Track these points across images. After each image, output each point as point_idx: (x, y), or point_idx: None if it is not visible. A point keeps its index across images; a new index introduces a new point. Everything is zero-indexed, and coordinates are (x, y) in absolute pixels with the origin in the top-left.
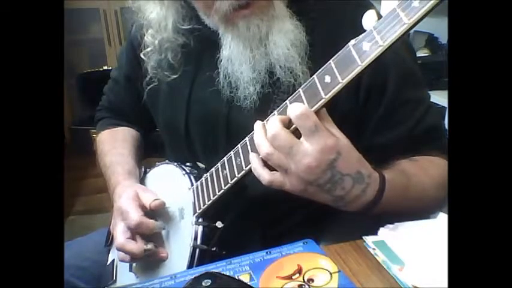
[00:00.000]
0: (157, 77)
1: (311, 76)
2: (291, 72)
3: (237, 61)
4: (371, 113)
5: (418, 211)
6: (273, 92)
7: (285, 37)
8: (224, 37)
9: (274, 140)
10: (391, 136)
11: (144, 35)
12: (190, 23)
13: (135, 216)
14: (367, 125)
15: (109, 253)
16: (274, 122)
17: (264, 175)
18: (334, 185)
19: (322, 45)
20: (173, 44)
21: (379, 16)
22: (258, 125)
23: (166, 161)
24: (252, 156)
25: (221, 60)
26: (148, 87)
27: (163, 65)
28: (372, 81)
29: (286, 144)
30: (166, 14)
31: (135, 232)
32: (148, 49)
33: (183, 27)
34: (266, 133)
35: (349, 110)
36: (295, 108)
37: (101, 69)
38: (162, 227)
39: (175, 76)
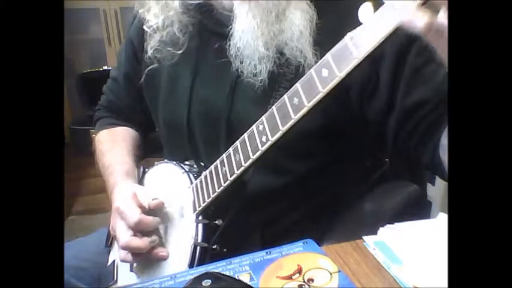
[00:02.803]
0: (159, 58)
1: (320, 58)
2: (300, 53)
3: (251, 35)
4: (396, 78)
5: None
6: (280, 74)
7: (301, 15)
8: (240, 8)
9: None
10: (421, 94)
11: (145, 32)
12: None
13: (134, 214)
14: (394, 90)
15: (109, 254)
16: None
17: (421, 17)
18: None
19: (328, 33)
20: (178, 20)
21: (376, 8)
22: None
23: (165, 160)
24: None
25: (232, 34)
26: (148, 69)
27: (166, 40)
28: (392, 49)
29: None
30: None
31: (136, 230)
32: (151, 27)
33: (192, 2)
34: None
35: (371, 79)
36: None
37: (101, 69)
38: (160, 223)
39: (179, 52)
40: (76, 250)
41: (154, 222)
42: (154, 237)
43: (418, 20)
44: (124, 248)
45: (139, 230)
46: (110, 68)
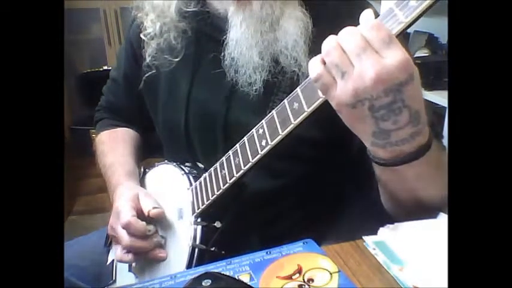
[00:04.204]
0: (156, 64)
1: None
2: (295, 62)
3: (245, 45)
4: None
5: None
6: (276, 83)
7: (295, 24)
8: (234, 18)
9: (347, 36)
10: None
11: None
12: (196, 6)
13: (126, 216)
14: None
15: (109, 253)
16: (350, 27)
17: (316, 67)
18: (389, 114)
19: (323, 41)
20: (175, 27)
21: (377, 15)
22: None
23: (166, 161)
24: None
25: (227, 43)
26: (146, 75)
27: (164, 47)
28: None
29: (360, 45)
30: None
31: (127, 232)
32: (148, 35)
33: (188, 9)
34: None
35: None
36: (366, 21)
37: (101, 69)
38: (153, 230)
39: (176, 59)
40: (76, 249)
41: (144, 228)
42: (158, 238)
43: (313, 68)
44: (127, 249)
45: (129, 232)
46: (110, 68)
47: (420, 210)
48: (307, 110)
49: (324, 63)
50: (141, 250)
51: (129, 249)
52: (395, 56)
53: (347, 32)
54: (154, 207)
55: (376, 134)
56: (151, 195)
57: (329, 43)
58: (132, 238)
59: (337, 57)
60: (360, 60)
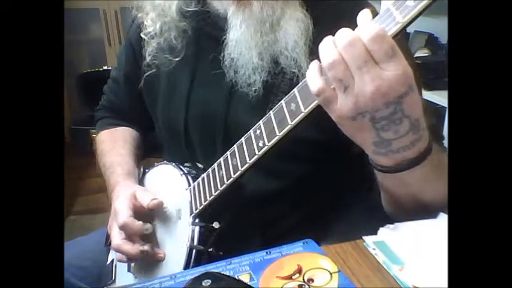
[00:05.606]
0: (157, 64)
1: None
2: (295, 63)
3: (245, 45)
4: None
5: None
6: (275, 84)
7: (296, 25)
8: (233, 18)
9: (349, 48)
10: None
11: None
12: (196, 6)
13: (122, 217)
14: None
15: (109, 253)
16: (349, 31)
17: (316, 81)
18: (389, 125)
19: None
20: (175, 27)
21: (375, 15)
22: (328, 38)
23: (165, 161)
24: (313, 62)
25: (226, 44)
26: (146, 74)
27: (164, 46)
28: None
29: (361, 57)
30: None
31: (124, 233)
32: (148, 34)
33: (188, 9)
34: (336, 41)
35: None
36: (369, 30)
37: (101, 69)
38: (150, 229)
39: (176, 59)
40: (76, 249)
41: (140, 228)
42: (146, 247)
43: (313, 82)
44: (116, 250)
45: (125, 233)
46: (110, 68)
47: (422, 212)
48: (304, 111)
49: (321, 73)
50: (128, 255)
51: (117, 251)
52: (396, 69)
53: (349, 43)
54: (152, 199)
55: (377, 143)
56: (149, 190)
57: (331, 54)
58: (123, 240)
59: (342, 72)
60: (361, 74)
